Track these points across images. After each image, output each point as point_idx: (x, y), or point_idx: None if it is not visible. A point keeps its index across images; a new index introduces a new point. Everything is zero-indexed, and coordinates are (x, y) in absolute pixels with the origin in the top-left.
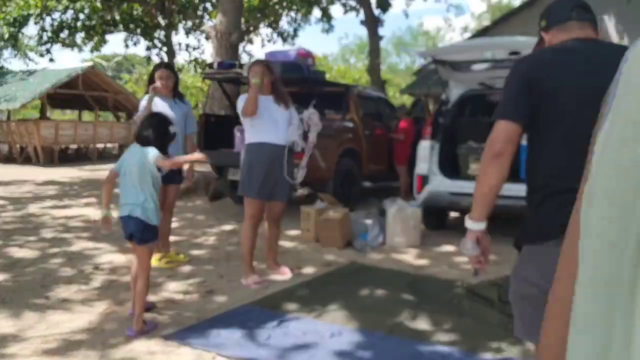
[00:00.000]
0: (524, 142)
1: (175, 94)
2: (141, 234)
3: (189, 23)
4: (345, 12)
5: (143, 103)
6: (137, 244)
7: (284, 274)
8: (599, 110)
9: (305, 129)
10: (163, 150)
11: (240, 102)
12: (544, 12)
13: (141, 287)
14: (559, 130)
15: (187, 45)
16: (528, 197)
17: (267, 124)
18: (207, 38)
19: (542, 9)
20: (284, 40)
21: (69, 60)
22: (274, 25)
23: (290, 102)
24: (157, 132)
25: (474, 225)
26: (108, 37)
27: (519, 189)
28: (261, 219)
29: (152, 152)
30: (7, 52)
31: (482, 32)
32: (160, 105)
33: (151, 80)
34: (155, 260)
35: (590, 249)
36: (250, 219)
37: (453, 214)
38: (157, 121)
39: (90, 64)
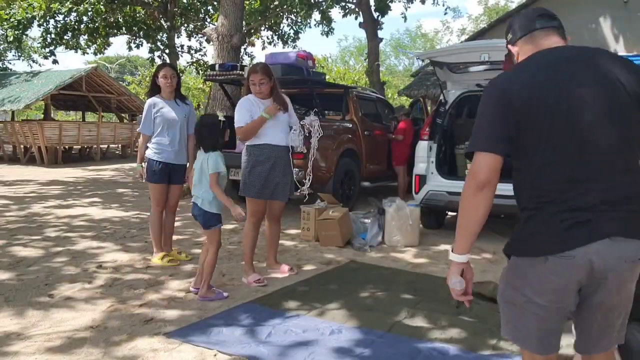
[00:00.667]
0: None
1: (177, 95)
2: (202, 219)
3: (191, 26)
4: (345, 15)
5: (146, 108)
6: (203, 228)
7: (284, 273)
8: (576, 122)
9: (306, 134)
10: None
11: (238, 111)
12: (508, 26)
13: (209, 259)
14: (538, 150)
15: (189, 48)
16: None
17: (268, 126)
18: (208, 41)
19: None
20: (285, 42)
21: (72, 62)
22: (274, 27)
23: (289, 105)
24: (207, 136)
25: (459, 258)
26: (111, 39)
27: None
28: (262, 218)
29: (212, 164)
30: (11, 54)
31: (479, 34)
32: (163, 106)
33: (154, 78)
34: (157, 259)
35: None
36: (252, 218)
37: (451, 214)
38: (202, 126)
39: (93, 65)
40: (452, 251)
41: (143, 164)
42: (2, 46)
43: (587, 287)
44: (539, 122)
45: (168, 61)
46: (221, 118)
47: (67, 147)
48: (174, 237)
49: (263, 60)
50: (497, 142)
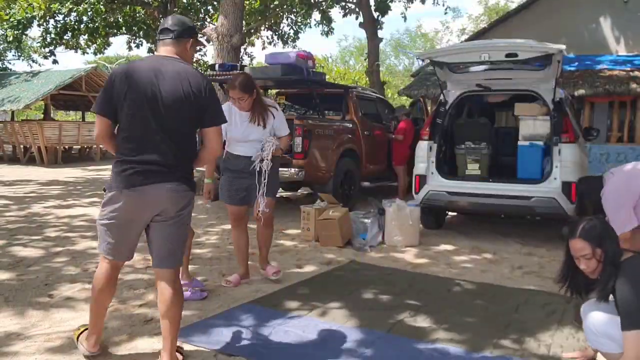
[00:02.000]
0: (524, 142)
1: None
2: None
3: None
4: (345, 15)
5: None
6: None
7: (267, 275)
8: (156, 106)
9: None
10: None
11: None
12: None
13: None
14: (131, 122)
15: None
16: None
17: (238, 138)
18: (208, 41)
19: (538, 11)
20: (285, 42)
21: (72, 62)
22: (274, 27)
23: (275, 119)
24: None
25: None
26: (111, 39)
27: (515, 189)
28: (241, 220)
29: None
30: (11, 54)
31: (479, 34)
32: None
33: None
34: None
35: None
36: (232, 221)
37: (451, 214)
38: None
39: (93, 65)
40: None
41: None
42: (2, 46)
43: (162, 212)
44: (134, 105)
45: None
46: None
47: (67, 147)
48: None
49: (263, 61)
50: (110, 109)
